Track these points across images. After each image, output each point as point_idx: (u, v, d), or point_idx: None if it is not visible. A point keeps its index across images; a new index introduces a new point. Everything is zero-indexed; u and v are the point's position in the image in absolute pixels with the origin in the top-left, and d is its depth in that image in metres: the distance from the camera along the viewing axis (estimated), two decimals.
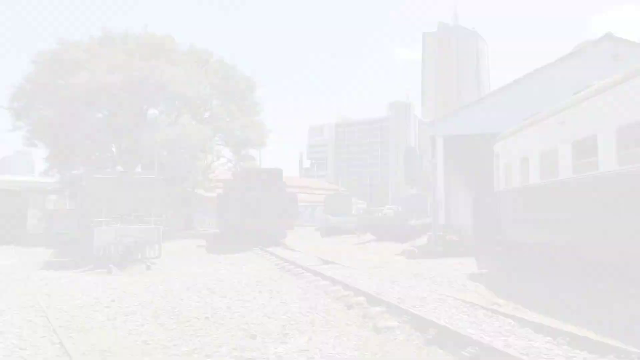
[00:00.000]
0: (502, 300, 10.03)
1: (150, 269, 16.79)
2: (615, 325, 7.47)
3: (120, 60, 33.55)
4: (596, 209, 9.92)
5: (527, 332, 7.25)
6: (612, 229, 9.34)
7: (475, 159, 31.14)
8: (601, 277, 10.86)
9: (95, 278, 14.76)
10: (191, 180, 35.86)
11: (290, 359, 6.49)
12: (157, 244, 18.91)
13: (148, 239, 18.55)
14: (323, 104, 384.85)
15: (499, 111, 21.69)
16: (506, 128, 16.08)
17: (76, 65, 33.68)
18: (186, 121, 37.48)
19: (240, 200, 25.69)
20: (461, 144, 25.48)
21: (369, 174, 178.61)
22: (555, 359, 6.14)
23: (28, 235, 32.11)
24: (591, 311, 9.06)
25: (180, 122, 37.23)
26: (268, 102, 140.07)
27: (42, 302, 10.29)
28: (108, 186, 21.06)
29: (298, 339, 7.44)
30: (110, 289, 12.30)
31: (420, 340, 7.29)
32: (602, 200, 9.72)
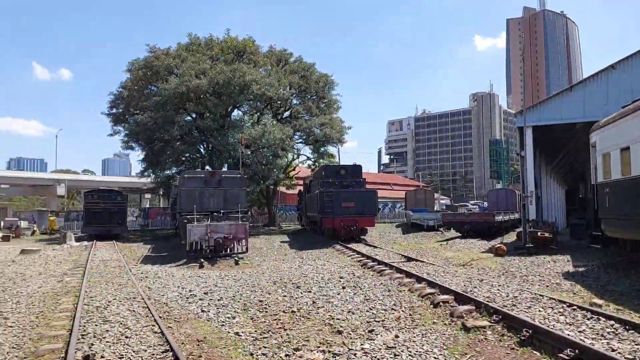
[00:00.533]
0: (602, 301, 9.42)
1: (238, 264, 17.53)
2: None
3: (205, 64, 35.30)
4: None
5: (632, 336, 6.73)
6: None
7: (568, 150, 29.39)
8: None
9: (188, 272, 15.67)
10: (273, 178, 36.88)
11: (378, 355, 6.47)
12: (244, 240, 19.70)
13: (236, 235, 19.35)
14: (401, 98, 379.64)
15: (594, 98, 20.30)
16: (603, 116, 14.97)
17: (166, 71, 35.92)
18: (267, 121, 38.63)
19: (320, 197, 25.98)
20: (552, 135, 24.09)
21: (451, 168, 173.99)
22: None
23: (127, 232, 34.81)
24: None
25: (262, 121, 38.46)
26: (346, 98, 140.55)
27: (143, 294, 11.07)
28: (198, 185, 22.22)
29: (384, 336, 7.42)
30: (202, 283, 13.00)
31: (513, 341, 7.00)
32: None
